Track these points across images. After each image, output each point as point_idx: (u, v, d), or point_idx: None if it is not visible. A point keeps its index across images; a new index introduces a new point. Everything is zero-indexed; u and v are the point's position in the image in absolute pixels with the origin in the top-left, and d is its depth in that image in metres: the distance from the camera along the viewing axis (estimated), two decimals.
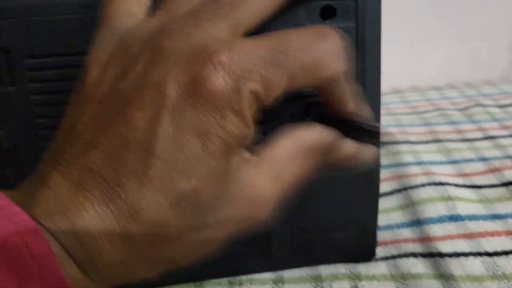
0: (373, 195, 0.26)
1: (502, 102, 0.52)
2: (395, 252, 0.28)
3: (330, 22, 0.23)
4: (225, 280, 0.26)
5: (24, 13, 0.21)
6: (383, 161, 0.40)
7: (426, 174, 0.36)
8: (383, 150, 0.42)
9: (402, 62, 0.73)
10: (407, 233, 0.30)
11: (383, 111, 0.55)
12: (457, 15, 0.72)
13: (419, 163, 0.39)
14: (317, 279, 0.26)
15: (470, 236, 0.28)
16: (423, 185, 0.35)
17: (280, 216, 0.23)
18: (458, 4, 0.72)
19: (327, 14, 0.23)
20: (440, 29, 0.73)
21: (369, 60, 0.23)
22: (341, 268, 0.26)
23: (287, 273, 0.26)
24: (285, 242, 0.26)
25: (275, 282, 0.26)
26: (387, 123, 0.50)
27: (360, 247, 0.27)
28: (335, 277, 0.25)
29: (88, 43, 0.22)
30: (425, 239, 0.28)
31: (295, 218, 0.26)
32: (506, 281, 0.24)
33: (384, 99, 0.61)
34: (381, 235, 0.30)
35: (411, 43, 0.73)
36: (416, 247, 0.28)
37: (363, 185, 0.26)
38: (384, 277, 0.25)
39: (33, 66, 0.22)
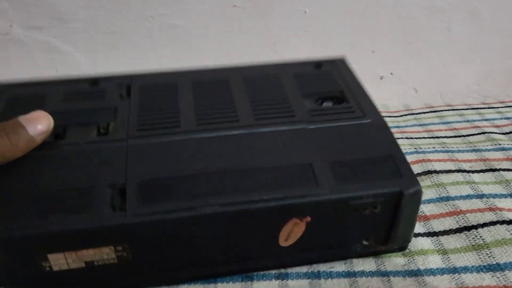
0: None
1: None
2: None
3: None
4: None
5: None
6: (434, 194, 0.38)
7: (492, 209, 0.34)
8: (429, 181, 0.40)
9: (433, 78, 0.72)
10: (489, 279, 0.27)
11: (424, 133, 0.54)
12: (490, 33, 0.70)
13: (480, 196, 0.37)
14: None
15: None
16: (493, 223, 0.32)
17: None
18: (492, 22, 0.70)
19: None
20: (473, 46, 0.71)
21: None
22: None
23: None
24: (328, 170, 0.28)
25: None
26: (433, 146, 0.48)
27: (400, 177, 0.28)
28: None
29: None
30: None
31: (330, 154, 0.29)
32: None
33: (422, 118, 0.59)
34: (460, 279, 0.28)
35: (444, 59, 0.71)
36: None
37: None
38: None
39: None
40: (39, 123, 0.27)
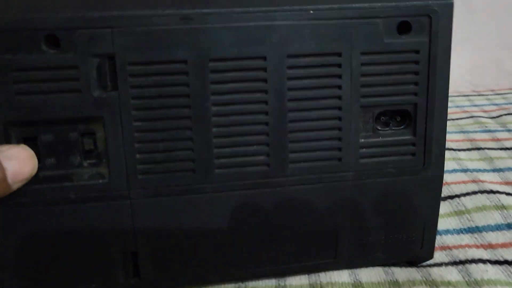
0: (436, 199, 0.27)
1: None
2: (462, 257, 0.28)
3: (405, 36, 0.23)
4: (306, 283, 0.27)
5: (129, 22, 0.21)
6: None
7: (475, 181, 0.37)
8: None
9: None
10: (468, 239, 0.30)
11: None
12: (482, 23, 0.72)
13: (465, 171, 0.39)
14: (395, 284, 0.26)
15: None
16: (474, 192, 0.35)
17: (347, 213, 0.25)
18: (484, 13, 0.72)
19: (403, 29, 0.23)
20: (465, 37, 0.73)
21: (439, 72, 0.24)
22: (416, 274, 0.27)
23: (364, 277, 0.27)
24: (352, 241, 0.27)
25: (355, 286, 0.26)
26: None
27: (421, 248, 0.27)
28: (412, 283, 0.26)
29: (186, 52, 0.22)
30: (488, 246, 0.29)
31: (362, 220, 0.26)
32: None
33: None
34: (441, 240, 0.30)
35: None
36: (482, 254, 0.28)
37: (427, 190, 0.26)
38: (459, 284, 0.26)
39: (135, 73, 0.22)
40: (21, 168, 0.22)
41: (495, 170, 0.39)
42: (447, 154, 0.43)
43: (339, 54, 0.23)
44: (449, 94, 0.75)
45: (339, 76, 0.23)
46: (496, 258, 0.28)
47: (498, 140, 0.46)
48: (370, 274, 0.27)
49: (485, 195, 0.34)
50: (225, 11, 0.22)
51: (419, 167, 0.25)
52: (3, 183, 0.21)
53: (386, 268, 0.28)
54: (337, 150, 0.24)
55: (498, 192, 0.35)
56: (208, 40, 0.22)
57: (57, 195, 0.23)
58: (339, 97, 0.24)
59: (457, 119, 0.53)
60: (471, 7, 0.72)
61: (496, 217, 0.32)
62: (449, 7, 0.23)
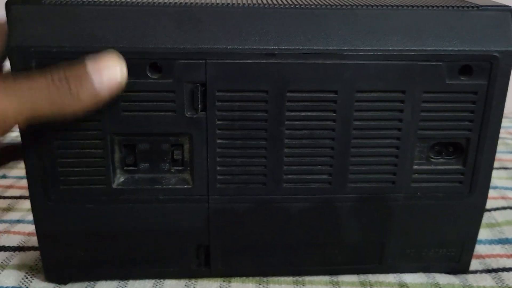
0: (477, 222, 0.28)
1: None
2: (494, 265, 0.30)
3: (466, 78, 0.24)
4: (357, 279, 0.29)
5: (221, 56, 0.23)
6: None
7: (504, 198, 0.38)
8: None
9: None
10: (499, 249, 0.32)
11: None
12: None
13: (494, 188, 0.40)
14: (436, 285, 0.28)
15: None
16: (504, 208, 0.36)
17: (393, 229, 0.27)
18: None
19: (465, 72, 0.24)
20: None
21: (494, 112, 0.25)
22: (454, 279, 0.29)
23: (408, 278, 0.29)
24: (396, 251, 0.28)
25: (401, 285, 0.28)
26: None
27: (458, 262, 0.29)
28: (452, 286, 0.28)
29: (267, 83, 0.24)
30: None
31: (407, 234, 0.28)
32: None
33: None
34: (475, 249, 0.30)
35: None
36: None
37: (470, 213, 0.28)
38: None
39: (222, 98, 0.24)
40: (108, 73, 0.21)
41: None
42: None
43: (403, 92, 0.24)
44: None
45: (401, 111, 0.25)
46: None
47: None
48: (413, 277, 0.29)
49: None
50: (304, 49, 0.23)
51: (465, 193, 0.27)
52: (91, 91, 0.21)
53: (427, 273, 0.30)
54: (392, 174, 0.26)
55: None
56: (288, 73, 0.24)
57: (148, 195, 0.26)
58: (399, 129, 0.25)
59: None
60: None
61: None
62: (509, 54, 0.24)
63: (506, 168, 0.44)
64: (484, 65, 0.24)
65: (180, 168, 0.26)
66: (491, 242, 0.33)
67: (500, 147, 0.50)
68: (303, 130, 0.25)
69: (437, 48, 0.24)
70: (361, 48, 0.23)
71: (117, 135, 0.25)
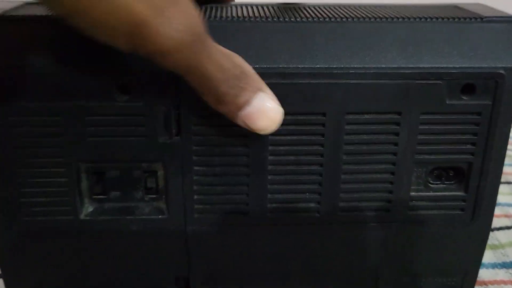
0: (481, 249, 0.26)
1: None
2: None
3: (468, 98, 0.22)
4: None
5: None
6: None
7: (508, 216, 0.36)
8: None
9: None
10: (503, 274, 0.29)
11: None
12: None
13: (496, 205, 0.38)
14: None
15: None
16: (508, 227, 0.34)
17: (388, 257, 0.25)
18: None
19: (467, 91, 0.22)
20: None
21: (498, 134, 0.22)
22: None
23: None
24: (392, 278, 0.26)
25: None
26: None
27: None
28: None
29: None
30: None
31: (403, 261, 0.26)
32: None
33: None
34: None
35: None
36: None
37: (473, 240, 0.25)
38: None
39: (198, 122, 0.21)
40: (264, 123, 0.20)
41: None
42: None
43: (399, 113, 0.22)
44: None
45: (397, 134, 0.22)
46: None
47: None
48: None
49: None
50: (289, 68, 0.21)
51: (467, 221, 0.24)
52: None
53: None
54: (387, 202, 0.23)
55: None
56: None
57: (120, 226, 0.23)
58: (395, 154, 0.22)
59: None
60: None
61: None
62: None
63: (509, 183, 0.42)
64: (488, 84, 0.21)
65: (154, 196, 0.23)
66: (494, 266, 0.30)
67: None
68: (288, 155, 0.22)
69: (436, 66, 0.21)
70: (352, 66, 0.21)
71: (84, 162, 0.22)
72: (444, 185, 0.24)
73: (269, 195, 0.23)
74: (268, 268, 0.25)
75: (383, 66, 0.21)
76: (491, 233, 0.34)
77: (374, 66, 0.21)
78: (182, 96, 0.21)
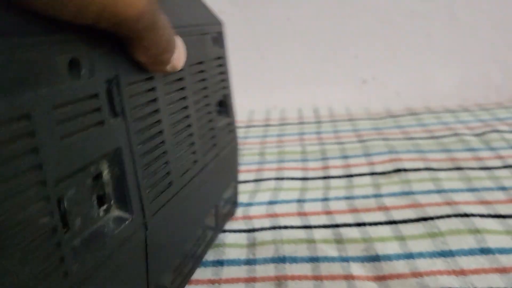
0: None
1: None
2: (432, 285, 0.27)
3: None
4: None
5: None
6: (399, 188, 0.40)
7: (449, 204, 0.36)
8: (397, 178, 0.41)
9: (415, 82, 0.72)
10: (440, 264, 0.29)
11: (400, 134, 0.55)
12: (469, 37, 0.71)
13: (439, 192, 0.38)
14: None
15: (503, 271, 0.28)
16: (448, 216, 0.34)
17: None
18: (471, 26, 0.70)
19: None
20: (452, 51, 0.71)
21: None
22: None
23: None
24: None
25: None
26: (407, 149, 0.50)
27: None
28: None
29: None
30: (460, 272, 0.28)
31: None
32: None
33: (401, 121, 0.60)
34: (414, 264, 0.29)
35: (424, 64, 0.72)
36: (453, 282, 0.27)
37: None
38: None
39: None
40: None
41: (470, 190, 0.38)
42: (426, 174, 0.42)
43: None
44: (436, 110, 0.74)
45: None
46: (466, 287, 0.27)
47: (479, 159, 0.45)
48: None
49: (459, 218, 0.33)
50: None
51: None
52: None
53: None
54: None
55: (472, 215, 0.34)
56: None
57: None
58: None
59: (441, 136, 0.52)
60: (457, 21, 0.70)
61: (469, 242, 0.31)
62: None
63: (459, 169, 0.42)
64: None
65: (107, 205, 0.19)
66: (432, 255, 0.30)
67: (457, 145, 0.49)
68: None
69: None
70: None
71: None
72: None
73: None
74: None
75: None
76: (431, 222, 0.34)
77: None
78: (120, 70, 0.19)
